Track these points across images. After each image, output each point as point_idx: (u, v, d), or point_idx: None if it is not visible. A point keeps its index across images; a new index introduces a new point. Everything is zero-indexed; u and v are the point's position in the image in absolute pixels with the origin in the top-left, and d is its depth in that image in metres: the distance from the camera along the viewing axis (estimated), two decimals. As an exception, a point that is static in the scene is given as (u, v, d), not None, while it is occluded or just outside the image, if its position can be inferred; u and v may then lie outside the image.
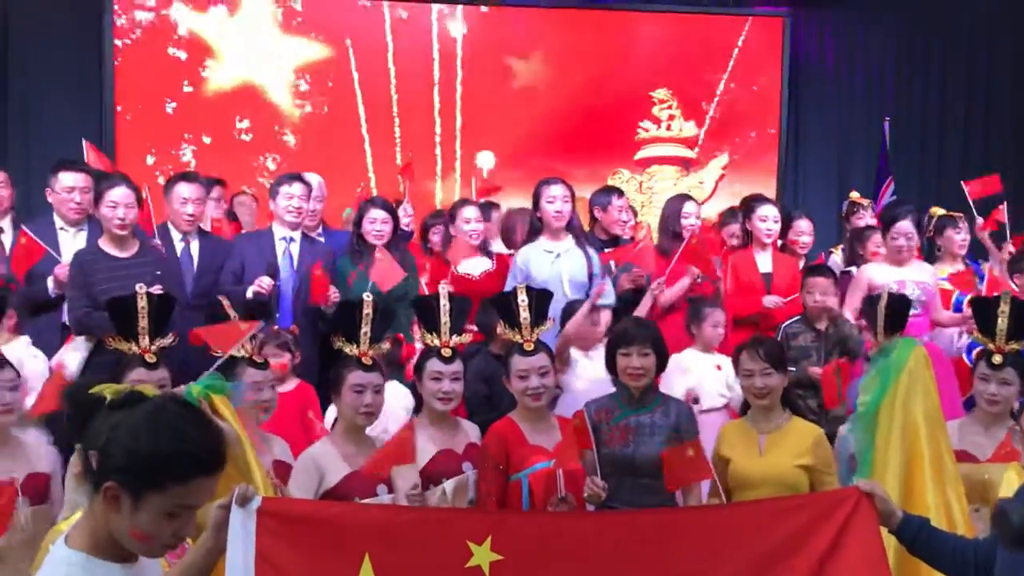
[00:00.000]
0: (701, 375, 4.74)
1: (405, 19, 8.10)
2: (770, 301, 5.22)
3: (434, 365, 3.61)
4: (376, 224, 5.18)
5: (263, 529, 2.26)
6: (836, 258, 6.38)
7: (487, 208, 5.85)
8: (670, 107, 8.65)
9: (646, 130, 8.63)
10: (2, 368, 3.33)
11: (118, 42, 7.62)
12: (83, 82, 7.77)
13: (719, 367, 4.73)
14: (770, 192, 8.24)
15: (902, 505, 2.68)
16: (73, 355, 4.45)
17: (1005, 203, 6.05)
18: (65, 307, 4.66)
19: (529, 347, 3.65)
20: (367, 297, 3.52)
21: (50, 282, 4.64)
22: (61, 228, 4.84)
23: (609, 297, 4.86)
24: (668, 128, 8.68)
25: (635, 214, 6.09)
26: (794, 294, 5.12)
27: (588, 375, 4.30)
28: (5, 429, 3.36)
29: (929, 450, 3.15)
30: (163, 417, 1.79)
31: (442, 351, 3.62)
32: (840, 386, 4.64)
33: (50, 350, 4.45)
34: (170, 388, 3.23)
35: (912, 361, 3.21)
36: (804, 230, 5.85)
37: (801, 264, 5.64)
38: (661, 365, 3.72)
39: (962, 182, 6.35)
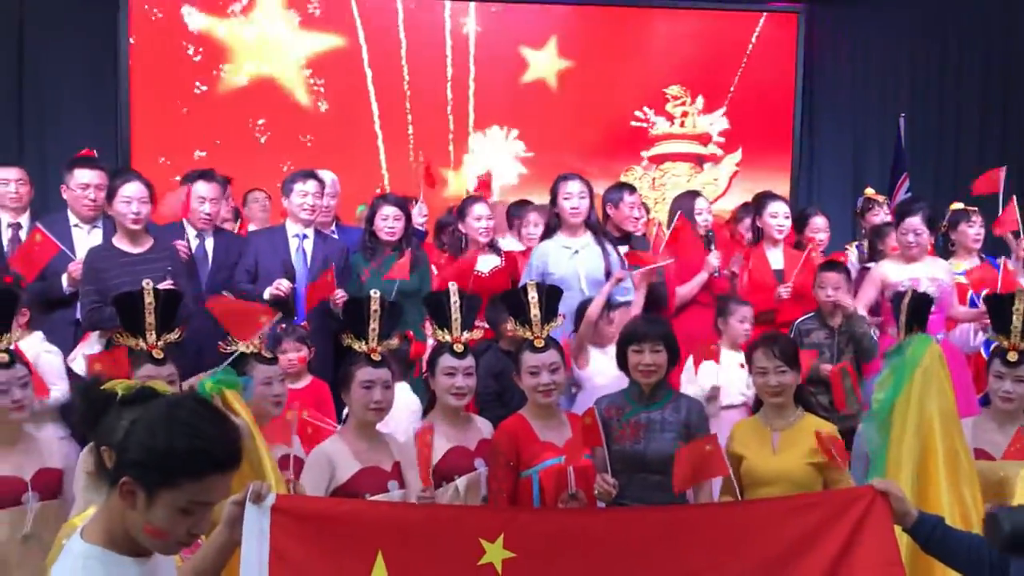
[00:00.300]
0: (724, 371, 4.72)
1: (414, 8, 8.07)
2: (781, 290, 5.22)
3: (447, 361, 3.63)
4: (388, 221, 5.18)
5: (277, 526, 2.27)
6: (851, 254, 6.35)
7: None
8: (684, 103, 8.63)
9: (656, 124, 8.61)
10: (13, 365, 3.35)
11: (132, 39, 7.64)
12: (98, 80, 7.80)
13: (743, 365, 4.71)
14: (784, 189, 8.21)
15: (916, 504, 2.66)
16: (88, 352, 4.47)
17: (1014, 198, 5.99)
18: (79, 304, 4.69)
19: (539, 343, 3.65)
20: (374, 294, 3.52)
21: (64, 279, 4.66)
22: (75, 225, 4.86)
23: (629, 293, 4.85)
24: (682, 124, 8.65)
25: (647, 211, 6.07)
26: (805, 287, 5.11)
27: (607, 371, 4.29)
28: (17, 425, 3.38)
29: (943, 448, 3.13)
30: (179, 414, 1.80)
31: (454, 347, 3.64)
32: (849, 387, 4.65)
33: (63, 346, 4.47)
34: (179, 383, 3.24)
35: (927, 359, 3.20)
36: (820, 227, 5.82)
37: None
38: (673, 361, 3.71)
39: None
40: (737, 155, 8.73)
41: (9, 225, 5.38)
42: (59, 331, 4.63)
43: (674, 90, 8.59)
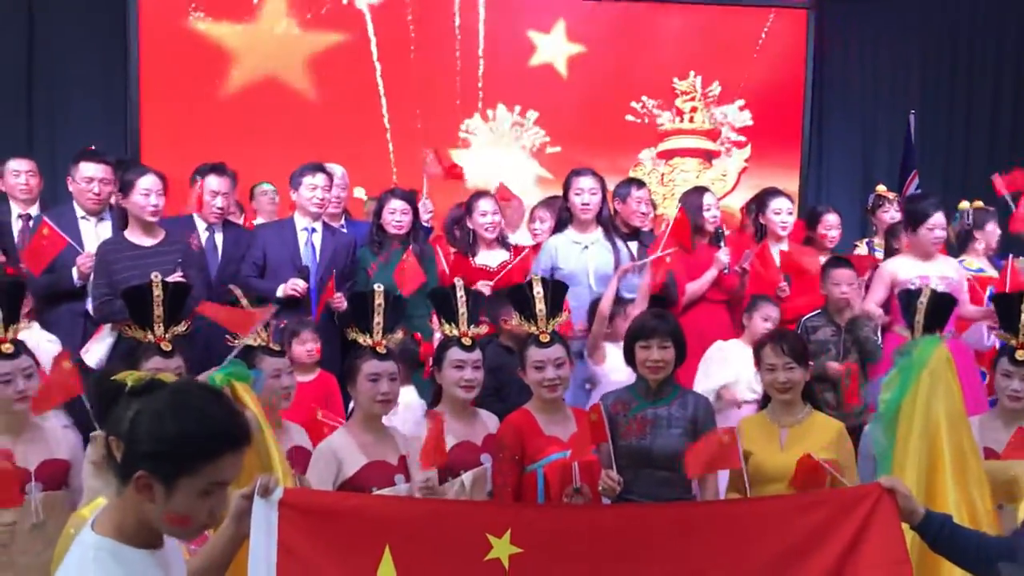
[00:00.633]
0: (739, 368, 4.72)
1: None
2: (781, 289, 5.22)
3: (455, 354, 3.64)
4: (396, 215, 5.19)
5: (285, 520, 2.27)
6: (861, 251, 6.33)
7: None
8: (693, 99, 8.61)
9: (663, 118, 8.59)
10: (19, 356, 3.35)
11: (142, 33, 7.64)
12: (108, 73, 7.82)
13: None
14: (793, 185, 8.19)
15: (923, 503, 2.65)
16: (99, 345, 4.49)
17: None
18: (88, 296, 4.70)
19: (545, 338, 3.65)
20: (378, 287, 3.53)
21: (75, 272, 4.68)
22: (82, 217, 4.87)
23: (636, 290, 4.85)
24: (691, 120, 8.63)
25: (654, 207, 6.06)
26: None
27: (623, 367, 4.27)
28: (23, 415, 3.38)
29: (950, 449, 3.12)
30: (184, 399, 1.81)
31: (463, 340, 3.65)
32: (853, 388, 4.64)
33: (71, 339, 4.49)
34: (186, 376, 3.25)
35: (934, 360, 3.18)
36: (832, 224, 5.79)
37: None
38: (680, 358, 3.70)
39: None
40: (746, 151, 8.71)
41: (20, 216, 5.41)
42: (67, 323, 4.66)
43: (683, 85, 8.57)
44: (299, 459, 3.33)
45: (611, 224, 5.17)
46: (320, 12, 7.94)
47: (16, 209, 5.45)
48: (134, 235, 4.63)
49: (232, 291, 3.75)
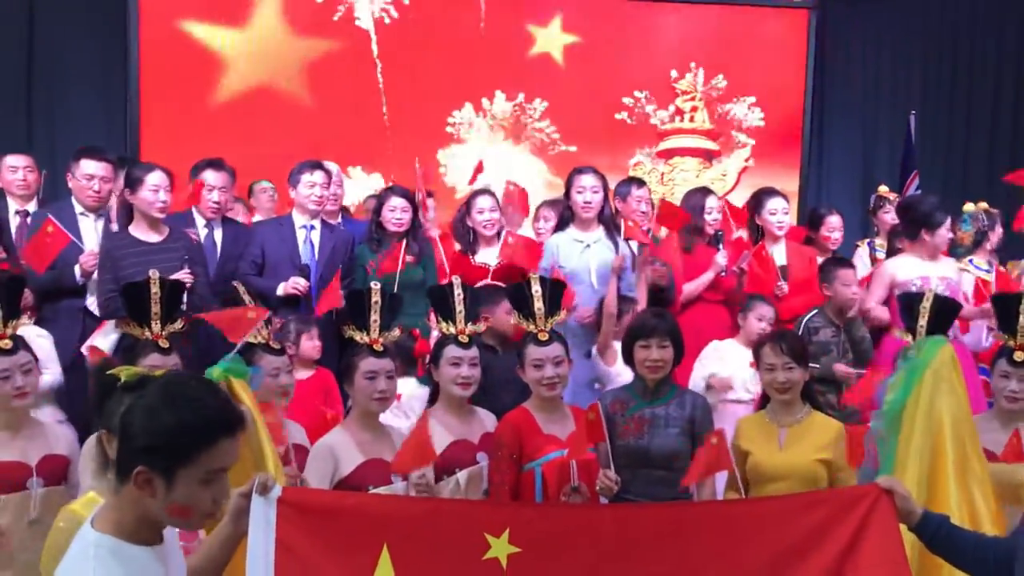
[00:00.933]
0: (735, 367, 4.72)
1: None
2: (779, 288, 5.22)
3: (452, 351, 3.63)
4: (396, 212, 5.20)
5: (283, 518, 2.27)
6: (862, 252, 6.33)
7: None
8: (693, 98, 8.61)
9: (664, 118, 8.59)
10: (17, 351, 3.35)
11: (142, 31, 7.64)
12: (107, 70, 7.82)
13: (753, 364, 4.71)
14: (793, 185, 8.19)
15: (925, 504, 2.65)
16: (104, 340, 4.48)
17: None
18: (88, 293, 4.69)
19: (543, 337, 3.64)
20: (375, 285, 3.53)
21: (77, 269, 4.67)
22: (82, 214, 4.86)
23: (634, 288, 4.85)
24: (691, 119, 8.63)
25: (653, 206, 6.06)
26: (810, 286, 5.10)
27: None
28: (22, 411, 3.38)
29: (953, 450, 3.11)
30: (175, 390, 1.82)
31: (459, 337, 3.65)
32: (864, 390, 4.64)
33: (70, 335, 4.49)
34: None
35: (938, 361, 3.17)
36: (835, 225, 5.79)
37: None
38: (678, 357, 3.70)
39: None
40: (746, 151, 8.71)
41: (17, 212, 5.40)
42: (66, 320, 4.65)
43: (684, 84, 8.57)
44: (298, 457, 3.32)
45: (613, 222, 5.18)
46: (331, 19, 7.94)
47: (13, 205, 5.44)
48: (139, 231, 4.63)
49: (235, 288, 3.75)
